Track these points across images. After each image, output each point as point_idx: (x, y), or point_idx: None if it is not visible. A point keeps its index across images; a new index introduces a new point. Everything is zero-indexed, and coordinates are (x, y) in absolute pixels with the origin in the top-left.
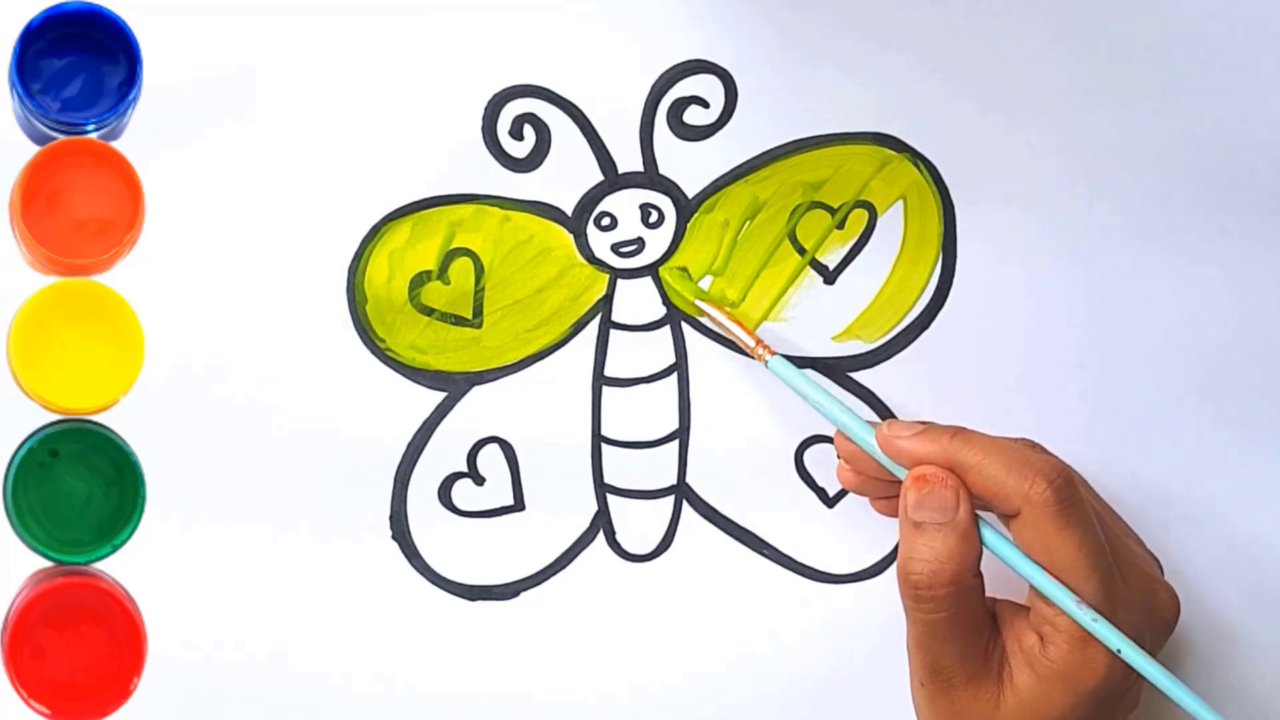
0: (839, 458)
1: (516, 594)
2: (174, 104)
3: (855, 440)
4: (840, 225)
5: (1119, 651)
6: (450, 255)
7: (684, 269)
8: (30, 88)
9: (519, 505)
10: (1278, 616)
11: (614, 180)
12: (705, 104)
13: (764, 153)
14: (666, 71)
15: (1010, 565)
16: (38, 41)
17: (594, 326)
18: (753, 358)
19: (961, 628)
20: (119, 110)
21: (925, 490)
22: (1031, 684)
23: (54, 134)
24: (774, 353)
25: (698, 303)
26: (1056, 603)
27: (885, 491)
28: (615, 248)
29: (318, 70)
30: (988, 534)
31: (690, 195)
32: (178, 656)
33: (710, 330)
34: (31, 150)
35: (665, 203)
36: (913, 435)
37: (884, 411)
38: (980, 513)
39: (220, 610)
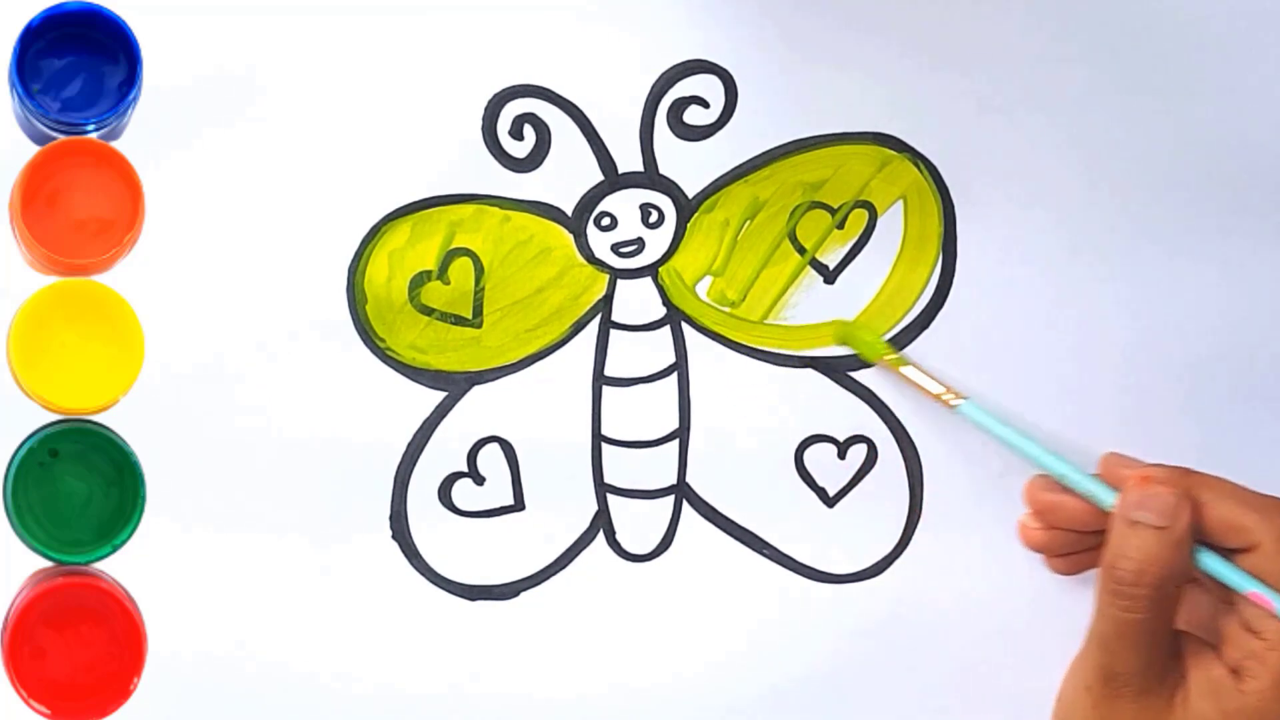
0: (1028, 513)
1: (516, 594)
2: (174, 104)
3: (1063, 478)
4: (840, 225)
5: None
6: (450, 255)
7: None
8: (30, 88)
9: (519, 505)
10: None
11: (614, 180)
12: (705, 104)
13: (764, 153)
14: (666, 71)
15: (1237, 588)
16: (38, 41)
17: (594, 326)
18: (943, 405)
19: (1151, 635)
20: (119, 110)
21: (1150, 490)
22: (1213, 715)
23: (54, 134)
24: (964, 397)
25: (881, 363)
26: None
27: (1072, 546)
28: (615, 248)
29: (318, 70)
30: (1208, 560)
31: (690, 195)
32: (178, 656)
33: (710, 330)
34: (31, 150)
35: (665, 203)
36: (1144, 466)
37: (885, 411)
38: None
39: (220, 610)
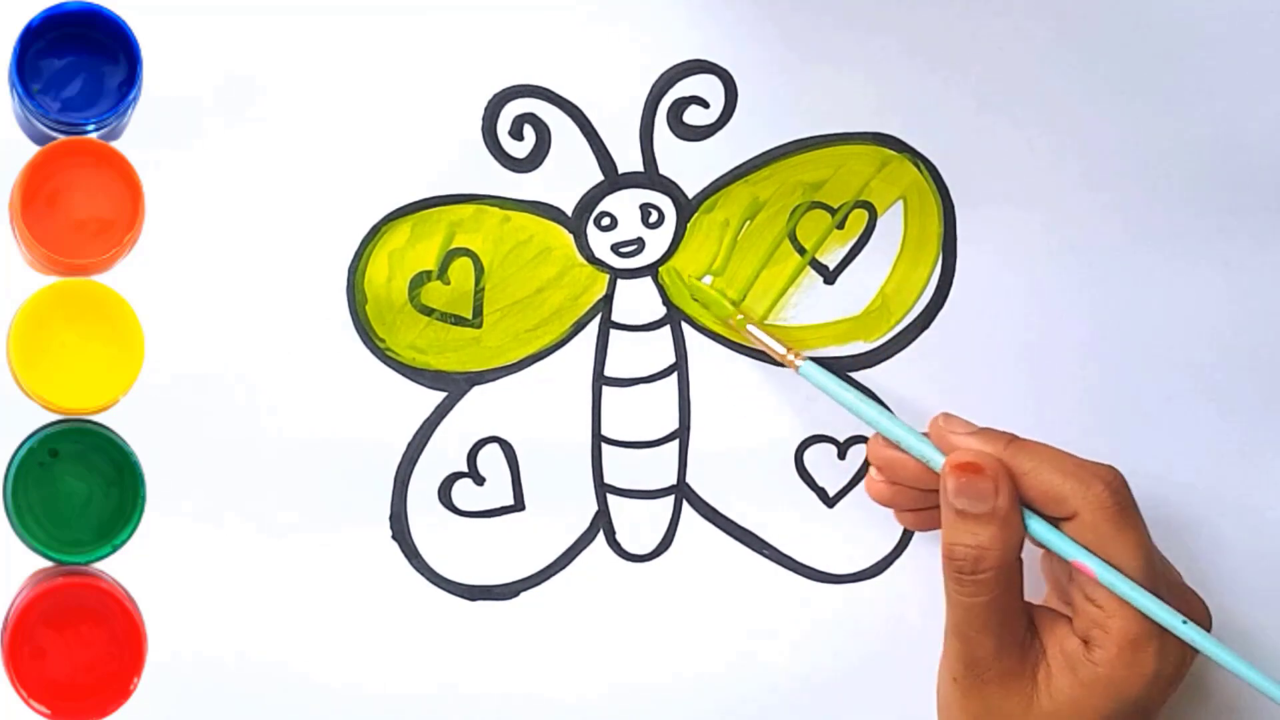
0: (871, 467)
1: (516, 594)
2: (174, 104)
3: (897, 441)
4: (840, 225)
5: (1173, 628)
6: (450, 255)
7: (703, 280)
8: (30, 88)
9: (519, 505)
10: (1277, 617)
11: (614, 180)
12: (705, 104)
13: (764, 153)
14: (666, 71)
15: (1063, 555)
16: (38, 41)
17: (594, 326)
18: (783, 365)
19: (1001, 615)
20: (119, 110)
21: (964, 479)
22: (1071, 687)
23: (54, 134)
24: (804, 358)
25: (735, 321)
26: (1108, 585)
27: (916, 503)
28: (615, 248)
29: (318, 70)
30: (1037, 526)
31: (690, 195)
32: (178, 656)
33: (710, 330)
34: (31, 150)
35: (665, 203)
36: (968, 434)
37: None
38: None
39: (220, 610)
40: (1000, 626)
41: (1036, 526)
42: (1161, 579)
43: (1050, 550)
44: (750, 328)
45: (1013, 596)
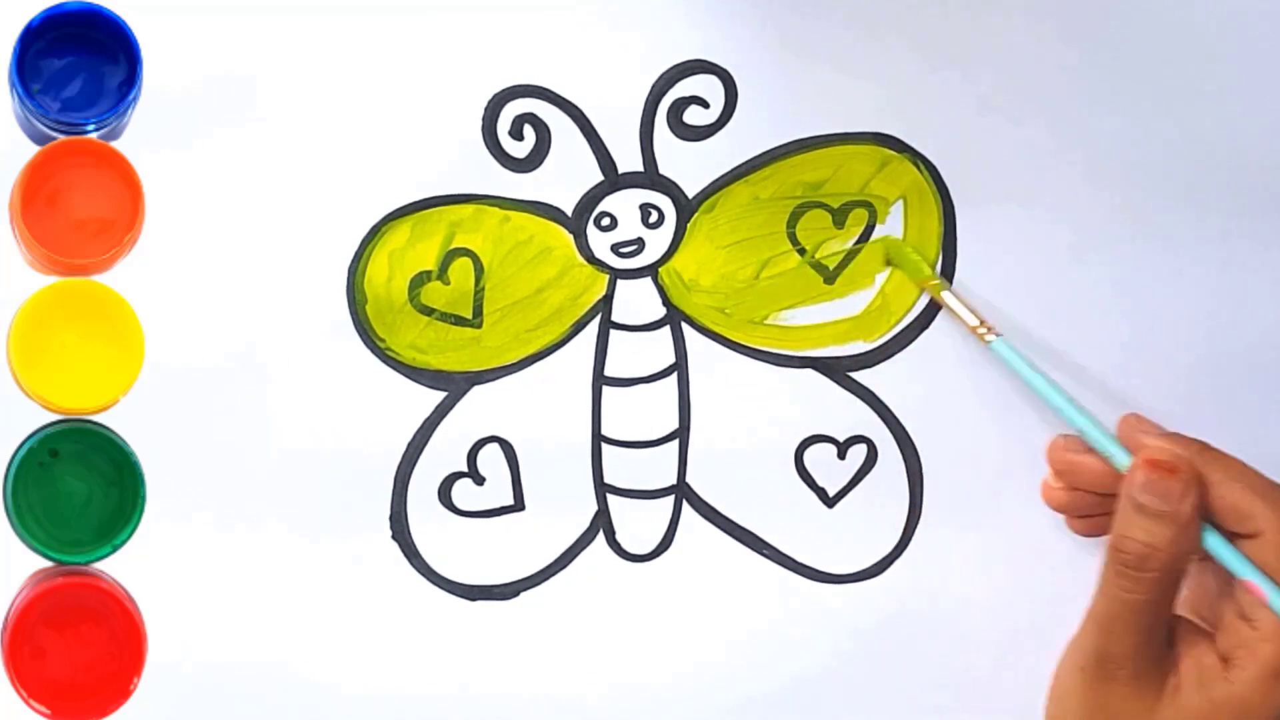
0: (1050, 472)
1: (516, 594)
2: (174, 104)
3: (1084, 434)
4: (840, 225)
5: None
6: (450, 255)
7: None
8: (30, 88)
9: (519, 505)
10: None
11: (614, 180)
12: (705, 104)
13: (764, 153)
14: (666, 71)
15: (1235, 572)
16: (38, 41)
17: (594, 326)
18: (976, 338)
19: (1151, 617)
20: (119, 110)
21: (1156, 475)
22: (1200, 703)
23: (54, 134)
24: (998, 334)
25: (934, 288)
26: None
27: (1092, 509)
28: (615, 248)
29: (318, 70)
30: (1213, 539)
31: (690, 195)
32: (178, 656)
33: (710, 330)
34: (31, 150)
35: (665, 203)
36: (1160, 435)
37: (885, 411)
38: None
39: (220, 610)
40: (1147, 629)
41: (1212, 539)
42: None
43: (1222, 564)
44: (945, 295)
45: (1167, 602)
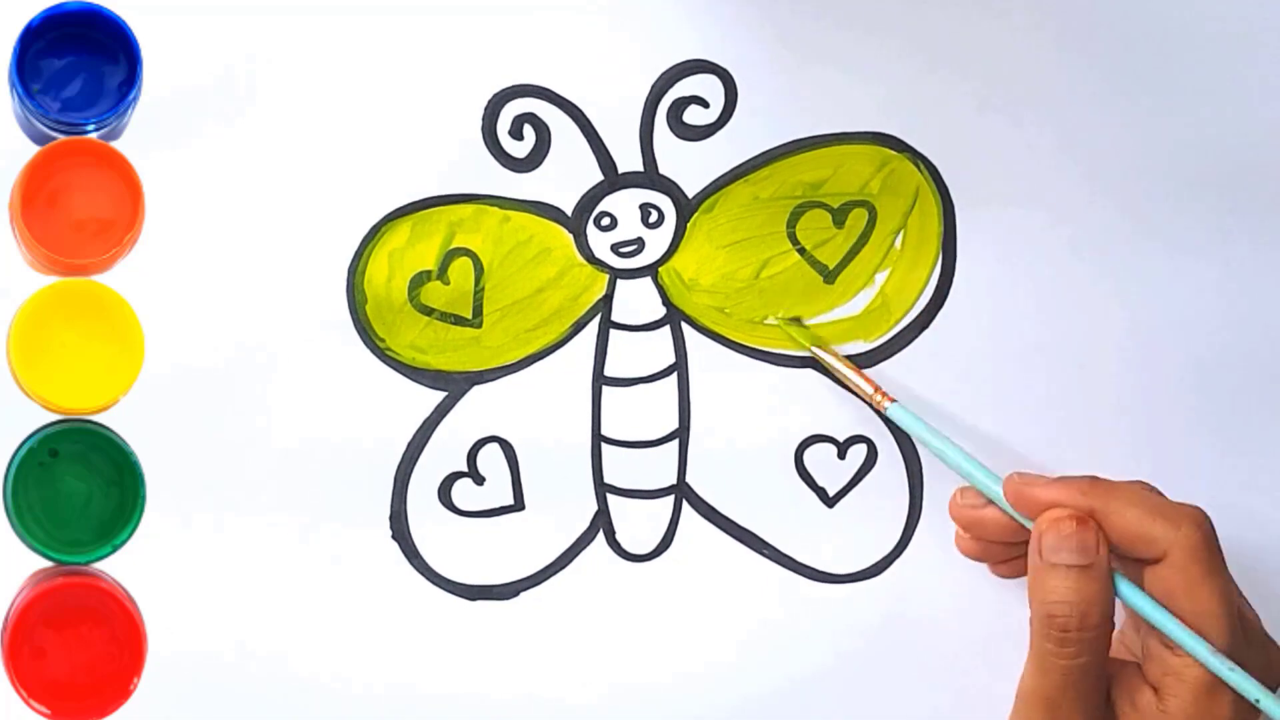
0: (959, 526)
1: (516, 594)
2: (174, 104)
3: (983, 490)
4: (840, 225)
5: (1257, 701)
6: (450, 255)
7: (796, 319)
8: (30, 88)
9: (519, 505)
10: (1275, 615)
11: (614, 180)
12: (705, 104)
13: (764, 152)
14: (666, 71)
15: (1139, 611)
16: (38, 41)
17: (594, 326)
18: (870, 405)
19: (1095, 679)
20: (119, 110)
21: (1066, 532)
22: None
23: (54, 134)
24: (893, 400)
25: (814, 351)
26: (1191, 652)
27: (1007, 555)
28: (615, 248)
29: (318, 70)
30: (1119, 583)
31: (690, 195)
32: (178, 656)
33: (709, 330)
34: (31, 150)
35: (665, 202)
36: (1046, 484)
37: (883, 411)
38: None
39: (220, 610)
40: (1093, 693)
41: (1122, 585)
42: (1242, 629)
43: (1129, 607)
44: (830, 360)
45: (1105, 656)
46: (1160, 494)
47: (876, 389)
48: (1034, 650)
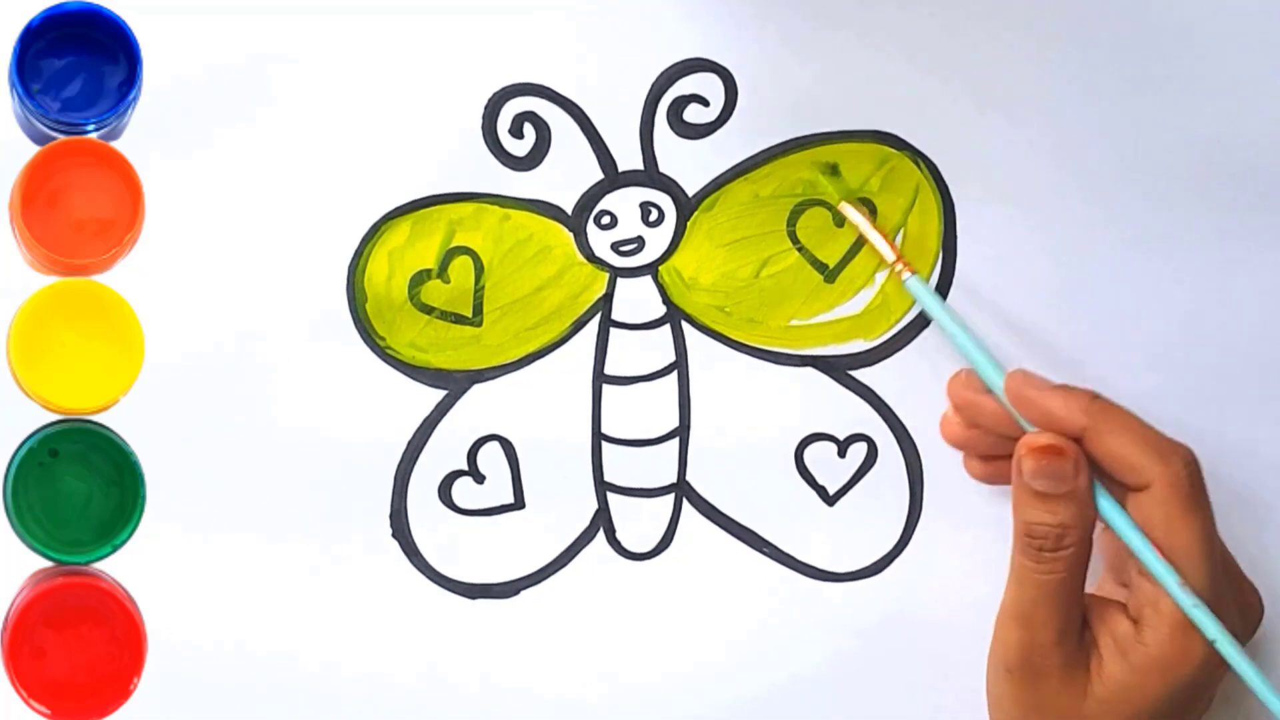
0: (949, 406)
1: (517, 592)
2: (174, 104)
3: (985, 380)
4: (840, 224)
5: (1214, 643)
6: (450, 254)
7: (832, 166)
8: (30, 88)
9: (519, 503)
10: (1274, 614)
11: (614, 179)
12: (705, 102)
13: (764, 151)
14: (667, 70)
15: (1118, 531)
16: (38, 41)
17: (594, 325)
18: (889, 270)
19: (1070, 596)
20: (119, 110)
21: (1044, 461)
22: (1123, 673)
23: (54, 134)
24: (913, 271)
25: (843, 207)
26: (1160, 582)
27: (991, 449)
28: (615, 246)
29: (318, 69)
30: (1103, 501)
31: (690, 193)
32: (178, 656)
33: (710, 329)
34: (31, 150)
35: (665, 201)
36: (1049, 390)
37: (885, 409)
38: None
39: (220, 610)
40: (1067, 610)
41: (1105, 504)
42: (1220, 567)
43: (1109, 526)
44: (855, 217)
45: (1082, 578)
46: (1156, 430)
47: (899, 257)
48: (1013, 564)
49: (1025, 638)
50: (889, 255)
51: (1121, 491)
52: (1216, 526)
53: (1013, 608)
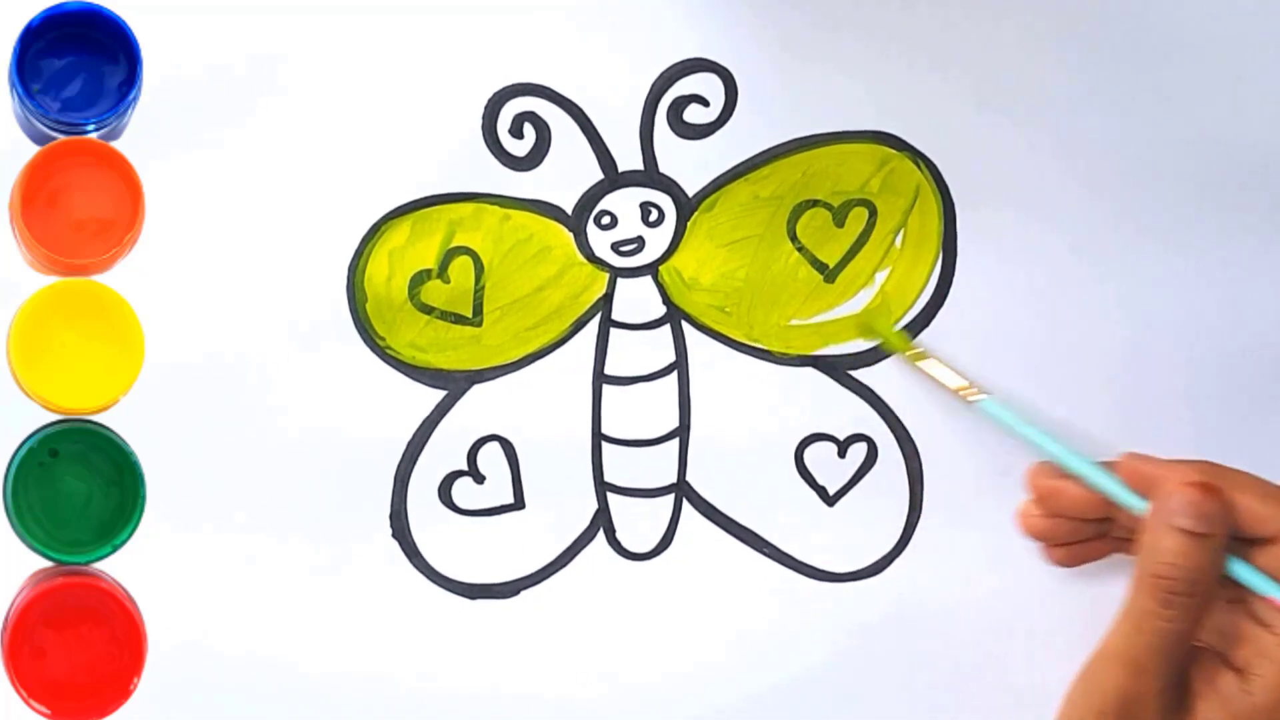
0: (1028, 500)
1: (517, 592)
2: (174, 104)
3: (1078, 473)
4: (840, 224)
5: None
6: (450, 254)
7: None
8: (30, 88)
9: (519, 504)
10: None
11: (614, 179)
12: (705, 102)
13: (764, 151)
14: (666, 70)
15: (1249, 585)
16: (38, 41)
17: (594, 325)
18: (965, 402)
19: (1184, 649)
20: (119, 110)
21: (1194, 498)
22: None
23: (54, 134)
24: (986, 394)
25: (905, 357)
26: None
27: (1070, 536)
28: (615, 246)
29: (318, 69)
30: (1235, 562)
31: (690, 194)
32: (178, 656)
33: (710, 329)
34: (31, 150)
35: (665, 201)
36: (1164, 462)
37: (885, 409)
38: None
39: (220, 610)
40: (1179, 663)
41: (1235, 565)
42: None
43: (1240, 581)
44: (926, 364)
45: (1198, 629)
46: (1268, 481)
47: (970, 383)
48: (1131, 609)
49: (1130, 685)
50: (960, 383)
51: (1246, 547)
52: None
53: (1124, 652)
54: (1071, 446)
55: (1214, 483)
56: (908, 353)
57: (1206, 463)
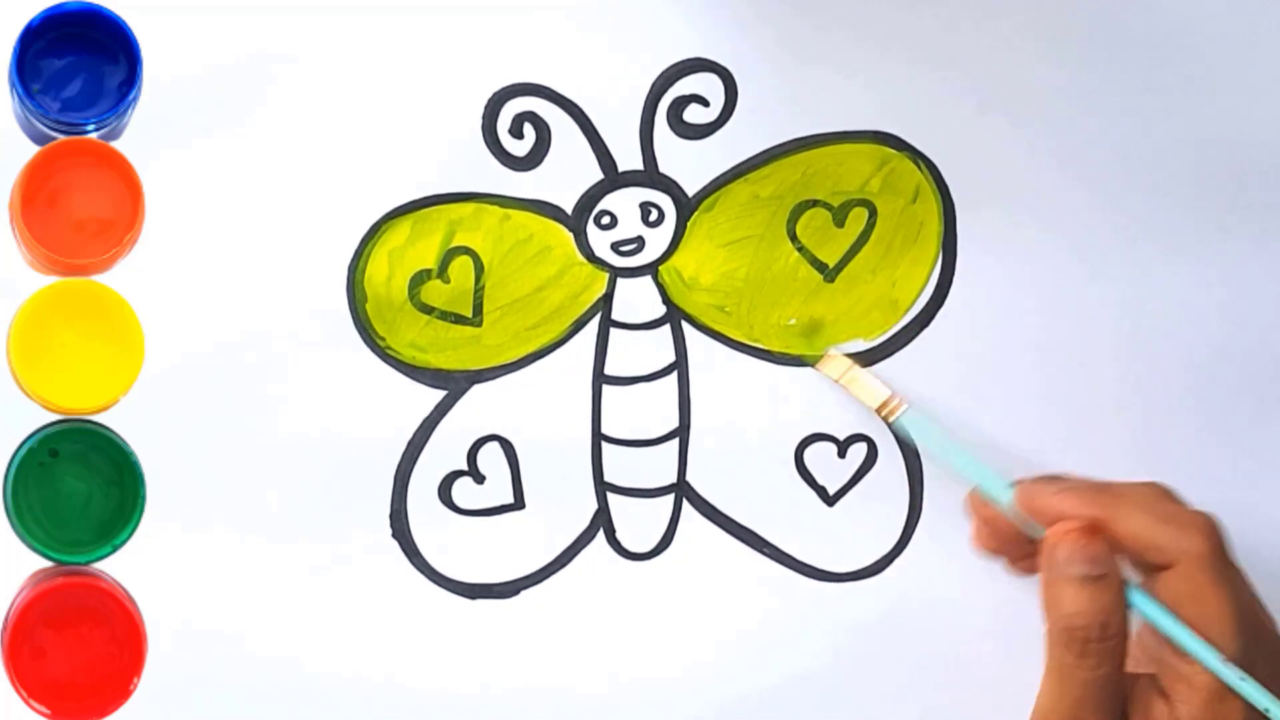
0: (975, 522)
1: (516, 592)
2: (174, 104)
3: (993, 500)
4: (840, 224)
5: (1267, 711)
6: (450, 254)
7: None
8: (30, 88)
9: (519, 503)
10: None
11: (614, 179)
12: (705, 102)
13: (764, 151)
14: (666, 70)
15: (1149, 618)
16: (38, 41)
17: (594, 325)
18: (883, 419)
19: (1114, 688)
20: (119, 110)
21: (1077, 545)
22: None
23: (54, 134)
24: (906, 406)
25: (825, 364)
26: (1200, 660)
27: (1022, 553)
28: (615, 246)
29: (317, 69)
30: (1129, 588)
31: (690, 194)
32: (178, 656)
33: (710, 329)
34: (31, 150)
35: (665, 201)
36: (1055, 493)
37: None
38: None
39: (220, 610)
40: (1113, 705)
41: (1133, 593)
42: (1258, 636)
43: (1145, 618)
44: (841, 369)
45: (1123, 668)
46: (1173, 496)
47: (892, 398)
48: (1052, 665)
49: None
50: (881, 396)
51: (1147, 573)
52: (1249, 591)
53: (1056, 710)
54: (990, 474)
55: (1098, 517)
56: (827, 368)
57: (1094, 486)
